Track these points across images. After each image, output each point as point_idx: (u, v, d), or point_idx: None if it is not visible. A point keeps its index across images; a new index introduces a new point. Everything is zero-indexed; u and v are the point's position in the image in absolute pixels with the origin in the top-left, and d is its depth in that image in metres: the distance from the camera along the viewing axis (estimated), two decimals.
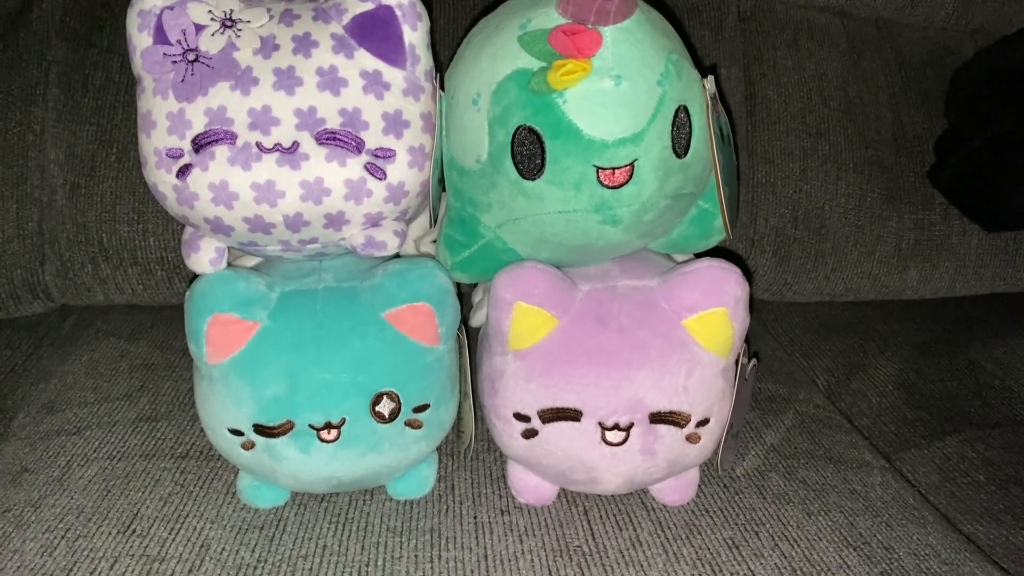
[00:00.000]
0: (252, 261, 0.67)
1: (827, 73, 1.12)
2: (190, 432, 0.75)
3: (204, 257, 0.62)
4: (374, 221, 0.62)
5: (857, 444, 0.82)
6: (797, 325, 1.11)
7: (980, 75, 1.10)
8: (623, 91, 0.56)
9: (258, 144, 0.57)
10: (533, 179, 0.58)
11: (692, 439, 0.64)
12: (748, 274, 0.66)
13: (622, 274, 0.66)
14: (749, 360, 0.69)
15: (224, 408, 0.62)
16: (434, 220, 0.65)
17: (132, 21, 0.58)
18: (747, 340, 0.68)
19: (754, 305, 1.12)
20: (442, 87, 0.64)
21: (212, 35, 0.57)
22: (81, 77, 0.97)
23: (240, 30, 0.58)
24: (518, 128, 0.58)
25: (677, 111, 0.58)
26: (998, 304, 1.16)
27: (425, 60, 0.62)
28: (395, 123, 0.60)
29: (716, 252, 0.71)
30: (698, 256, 0.70)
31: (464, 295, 0.76)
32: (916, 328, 1.10)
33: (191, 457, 0.72)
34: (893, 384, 0.98)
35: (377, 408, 0.62)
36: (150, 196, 0.95)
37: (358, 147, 0.58)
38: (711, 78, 0.64)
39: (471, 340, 0.70)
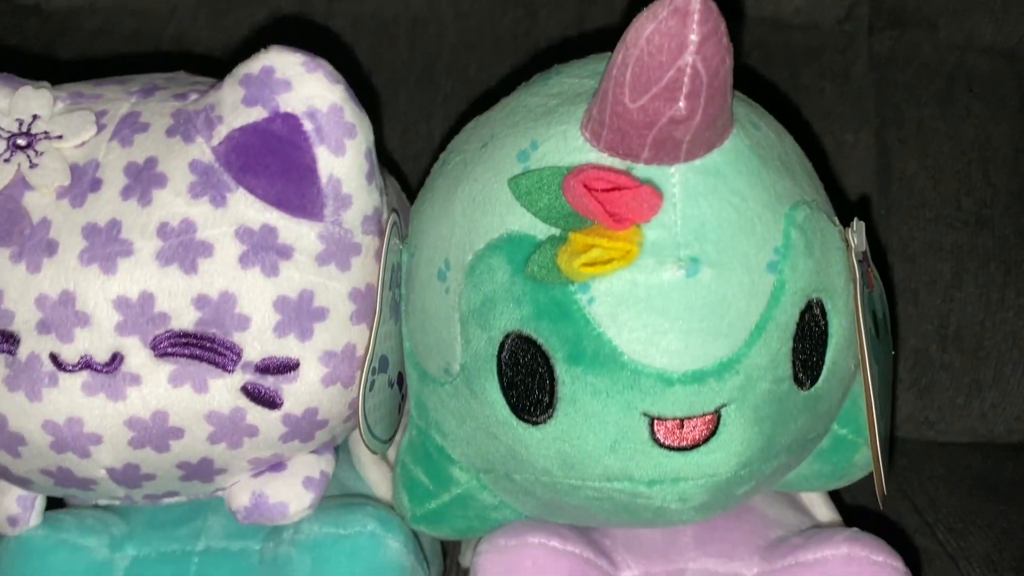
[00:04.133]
0: None
1: (992, 139, 0.86)
2: None
3: (1, 513, 0.38)
4: (270, 463, 0.38)
5: None
6: (941, 480, 0.84)
7: None
8: (702, 286, 0.31)
9: (53, 357, 0.33)
10: (535, 422, 0.33)
11: None
12: (915, 561, 0.39)
13: (698, 548, 0.40)
14: None
15: None
16: (381, 443, 0.40)
17: None
18: None
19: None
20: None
21: None
22: None
23: (41, 153, 0.34)
24: (509, 336, 0.32)
25: (805, 310, 0.32)
26: None
27: (361, 200, 0.37)
28: (299, 314, 0.35)
29: None
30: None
31: None
32: None
33: None
34: None
35: None
36: None
37: (230, 359, 0.34)
38: (860, 226, 0.37)
39: None
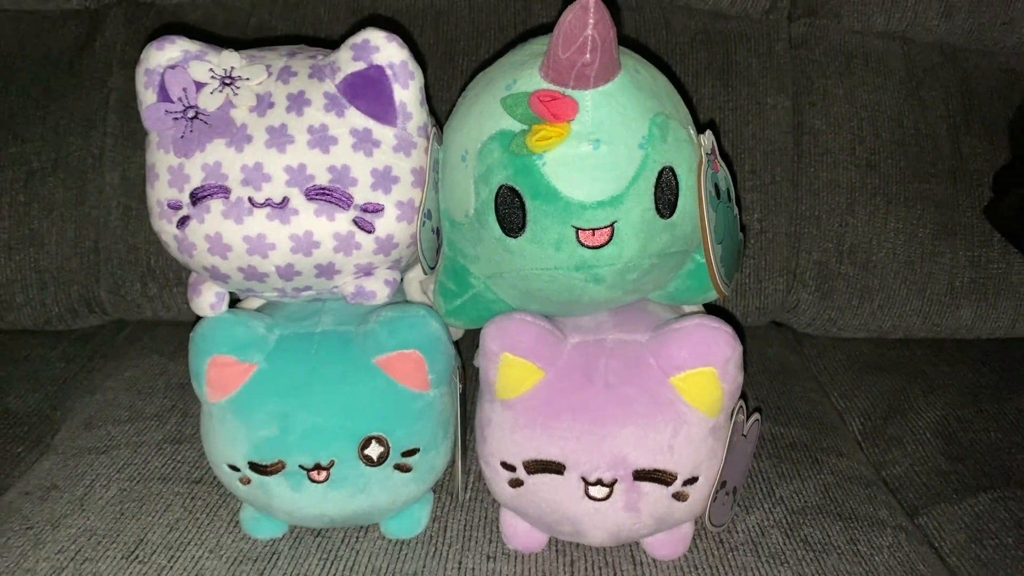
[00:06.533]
0: (258, 302, 0.70)
1: (881, 102, 1.07)
2: None
3: (205, 301, 0.65)
4: (366, 270, 0.64)
5: (876, 499, 0.79)
6: (840, 362, 1.07)
7: None
8: (601, 155, 0.56)
9: (250, 199, 0.59)
10: (515, 237, 0.59)
11: (680, 497, 0.64)
12: (742, 334, 0.65)
13: (614, 327, 0.66)
14: (749, 416, 0.68)
15: (223, 444, 0.65)
16: (429, 268, 0.66)
17: (139, 78, 0.61)
18: (744, 396, 0.66)
19: (800, 340, 1.10)
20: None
21: (211, 93, 0.60)
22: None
23: (238, 88, 0.60)
24: (500, 187, 0.58)
25: (661, 172, 0.58)
26: None
27: (417, 116, 0.63)
28: (384, 179, 0.61)
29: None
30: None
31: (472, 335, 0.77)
32: (967, 371, 1.05)
33: (204, 482, 0.75)
34: (932, 431, 0.94)
35: (365, 452, 0.63)
36: None
37: (347, 202, 0.60)
38: (709, 134, 0.63)
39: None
